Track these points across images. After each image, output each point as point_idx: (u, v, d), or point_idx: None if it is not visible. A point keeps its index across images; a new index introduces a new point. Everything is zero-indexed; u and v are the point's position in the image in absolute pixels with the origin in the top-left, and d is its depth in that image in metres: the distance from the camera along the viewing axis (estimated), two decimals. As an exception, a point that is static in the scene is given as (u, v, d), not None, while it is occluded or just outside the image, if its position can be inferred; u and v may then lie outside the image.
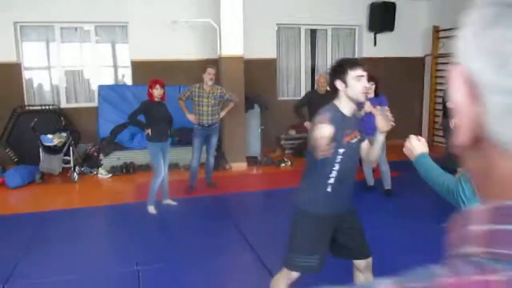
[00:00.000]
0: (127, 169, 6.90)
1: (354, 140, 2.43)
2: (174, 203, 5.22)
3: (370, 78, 5.45)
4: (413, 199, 5.40)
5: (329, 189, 2.38)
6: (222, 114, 5.86)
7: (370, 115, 5.36)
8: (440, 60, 8.69)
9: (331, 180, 2.36)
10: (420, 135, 7.52)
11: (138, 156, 7.04)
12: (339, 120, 2.31)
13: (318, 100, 5.80)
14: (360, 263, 2.60)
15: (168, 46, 7.60)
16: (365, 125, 5.47)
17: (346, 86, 2.33)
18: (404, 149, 1.93)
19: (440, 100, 8.47)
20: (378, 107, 5.33)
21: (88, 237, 4.47)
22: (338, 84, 2.38)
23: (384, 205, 5.28)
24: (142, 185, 5.79)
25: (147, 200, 4.92)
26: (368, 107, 5.34)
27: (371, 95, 5.42)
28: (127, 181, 6.58)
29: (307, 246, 2.41)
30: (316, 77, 6.08)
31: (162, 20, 7.48)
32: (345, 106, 2.39)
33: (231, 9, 6.79)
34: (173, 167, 6.93)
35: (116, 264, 3.75)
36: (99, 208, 5.35)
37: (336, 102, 2.41)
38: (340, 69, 2.37)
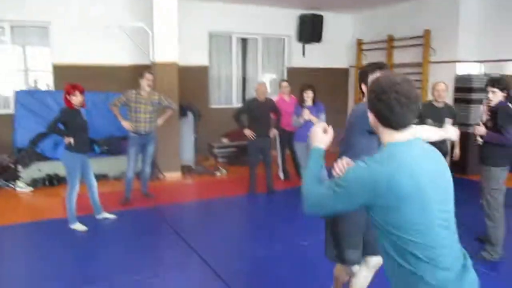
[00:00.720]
0: (50, 181, 6.33)
1: None
2: (112, 216, 4.87)
3: (308, 86, 5.62)
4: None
5: None
6: (160, 121, 5.62)
7: (309, 123, 5.49)
8: (364, 71, 9.17)
9: None
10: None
11: (62, 167, 6.47)
12: None
13: (258, 108, 5.82)
14: (372, 259, 2.62)
15: (96, 50, 7.17)
16: (303, 132, 5.63)
17: None
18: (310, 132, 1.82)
19: (364, 109, 8.93)
20: (315, 119, 5.48)
21: (10, 258, 3.99)
22: (363, 87, 2.48)
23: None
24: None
25: (68, 218, 4.55)
26: (306, 114, 5.46)
27: (309, 103, 5.54)
28: (51, 194, 6.02)
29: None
30: (256, 85, 6.08)
31: (89, 22, 7.05)
32: None
33: (164, 14, 6.58)
34: (101, 178, 6.51)
35: (48, 286, 3.38)
36: (22, 225, 4.81)
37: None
38: (363, 73, 2.47)
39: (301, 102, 5.58)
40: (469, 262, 1.60)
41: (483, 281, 1.65)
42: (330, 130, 1.78)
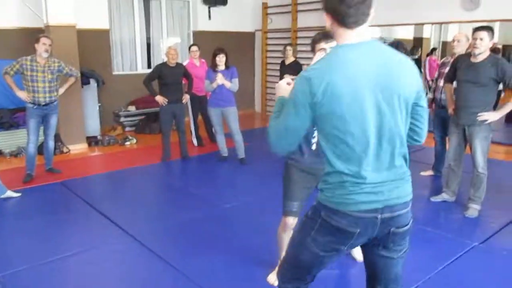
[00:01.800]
0: None
1: None
2: (16, 194, 4.46)
3: (220, 50, 5.55)
4: (265, 166, 5.75)
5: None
6: (62, 90, 5.18)
7: (221, 87, 5.47)
8: (269, 35, 9.30)
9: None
10: (254, 106, 8.07)
11: None
12: None
13: (169, 73, 5.63)
14: None
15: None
16: (217, 96, 5.61)
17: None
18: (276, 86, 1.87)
19: (272, 73, 9.13)
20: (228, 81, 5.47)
21: None
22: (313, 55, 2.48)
23: (241, 172, 5.50)
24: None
25: None
26: (220, 79, 5.42)
27: (222, 67, 5.49)
28: None
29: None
30: (166, 50, 5.83)
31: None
32: None
33: (56, -30, 5.96)
34: (-5, 155, 5.93)
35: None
36: None
37: None
38: (312, 43, 2.47)
39: (213, 66, 5.50)
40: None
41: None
42: (293, 83, 1.78)
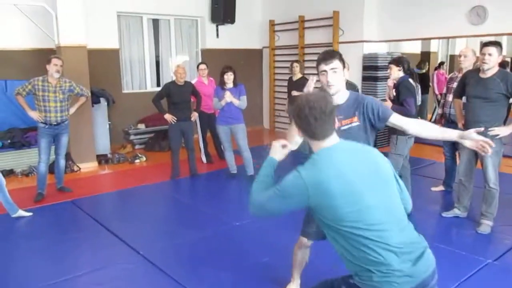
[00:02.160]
0: None
1: (346, 127, 2.41)
2: (27, 214, 4.49)
3: (228, 68, 5.61)
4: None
5: None
6: (73, 110, 5.25)
7: (230, 104, 5.51)
8: (277, 52, 9.38)
9: None
10: (262, 121, 8.07)
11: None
12: None
13: (177, 91, 5.69)
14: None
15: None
16: (225, 114, 5.64)
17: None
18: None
19: (279, 89, 9.17)
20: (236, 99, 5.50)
21: None
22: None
23: (249, 191, 5.47)
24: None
25: None
26: (228, 97, 5.46)
27: (231, 85, 5.53)
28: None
29: None
30: (174, 68, 5.91)
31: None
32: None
33: (68, -8, 6.09)
34: (7, 173, 5.98)
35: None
36: None
37: None
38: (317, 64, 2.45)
39: (222, 84, 5.55)
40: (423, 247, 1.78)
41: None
42: (289, 145, 2.03)
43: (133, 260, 3.54)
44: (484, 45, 3.82)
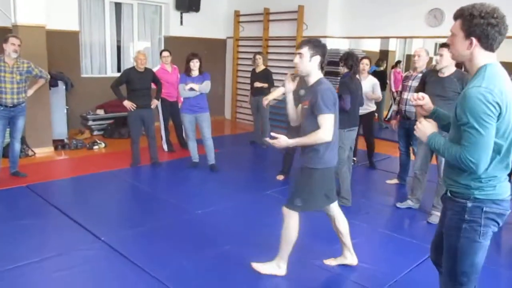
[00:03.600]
0: None
1: (305, 107, 2.91)
2: (-21, 199, 4.34)
3: (194, 56, 5.57)
4: (235, 173, 5.81)
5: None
6: (31, 92, 5.08)
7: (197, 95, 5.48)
8: (241, 43, 9.39)
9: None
10: (224, 112, 8.13)
11: None
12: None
13: (137, 78, 5.58)
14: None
15: None
16: (191, 102, 5.61)
17: None
18: (415, 132, 2.13)
19: (242, 80, 9.22)
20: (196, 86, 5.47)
21: None
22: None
23: (212, 179, 5.52)
24: None
25: None
26: (191, 85, 5.43)
27: (196, 72, 5.51)
28: None
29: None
30: (135, 54, 5.79)
31: None
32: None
33: (26, -31, 5.84)
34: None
35: None
36: None
37: None
38: None
39: (187, 71, 5.50)
40: None
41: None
42: (432, 121, 2.17)
43: (95, 247, 3.50)
44: (440, 46, 4.05)
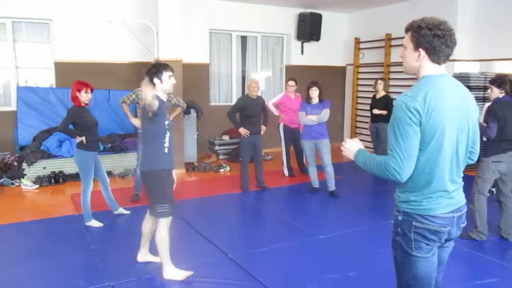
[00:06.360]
0: (55, 179, 6.31)
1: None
2: (126, 212, 4.91)
3: (314, 84, 5.69)
4: (355, 199, 5.71)
5: (166, 150, 3.35)
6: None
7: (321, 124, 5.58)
8: (361, 69, 9.34)
9: (166, 144, 3.36)
10: (343, 139, 7.94)
11: (67, 165, 6.49)
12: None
13: (250, 105, 5.86)
14: None
15: (98, 47, 7.17)
16: (310, 128, 5.68)
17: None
18: (342, 152, 2.07)
19: (362, 107, 9.11)
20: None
21: (33, 255, 4.00)
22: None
23: (333, 205, 5.51)
24: (77, 195, 5.32)
25: (84, 215, 4.58)
26: (310, 117, 5.55)
27: (316, 100, 5.62)
28: (58, 192, 6.02)
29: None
30: (248, 83, 6.14)
31: (92, 19, 7.04)
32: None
33: (169, 11, 6.61)
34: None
35: (84, 282, 3.40)
36: (33, 223, 4.79)
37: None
38: None
39: (308, 99, 5.66)
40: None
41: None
42: (356, 139, 2.16)
43: (223, 263, 3.72)
44: None
